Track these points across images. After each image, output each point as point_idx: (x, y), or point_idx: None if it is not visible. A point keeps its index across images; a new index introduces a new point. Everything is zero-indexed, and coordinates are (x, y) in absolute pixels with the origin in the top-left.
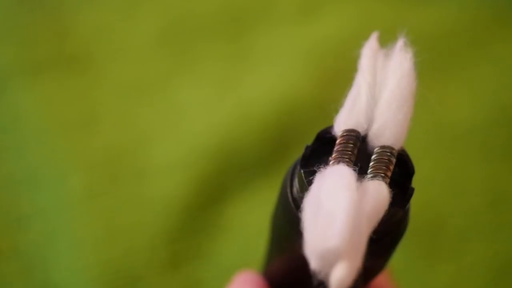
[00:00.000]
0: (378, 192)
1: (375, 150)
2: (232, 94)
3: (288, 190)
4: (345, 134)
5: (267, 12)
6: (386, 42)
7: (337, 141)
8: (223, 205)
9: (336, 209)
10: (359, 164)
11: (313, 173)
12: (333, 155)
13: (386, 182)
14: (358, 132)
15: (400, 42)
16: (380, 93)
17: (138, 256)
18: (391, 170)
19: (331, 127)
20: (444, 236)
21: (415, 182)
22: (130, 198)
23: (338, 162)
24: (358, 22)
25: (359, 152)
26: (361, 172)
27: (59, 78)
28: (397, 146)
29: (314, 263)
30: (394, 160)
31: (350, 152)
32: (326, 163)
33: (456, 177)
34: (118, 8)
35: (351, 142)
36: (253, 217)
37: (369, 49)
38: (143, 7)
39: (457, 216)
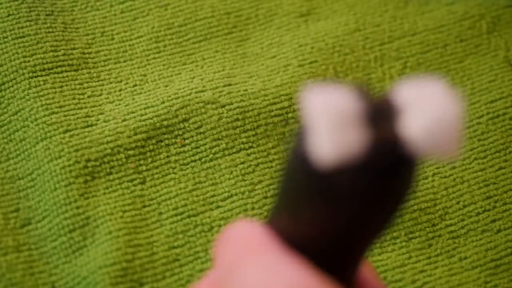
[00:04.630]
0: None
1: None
2: (232, 93)
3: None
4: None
5: (267, 16)
6: (383, 42)
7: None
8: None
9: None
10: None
11: None
12: None
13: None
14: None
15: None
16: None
17: (140, 257)
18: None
19: None
20: (443, 230)
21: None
22: (132, 199)
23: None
24: (357, 22)
25: None
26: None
27: (59, 80)
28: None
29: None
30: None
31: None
32: None
33: (453, 172)
34: (119, 10)
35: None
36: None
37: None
38: (145, 7)
39: (455, 211)
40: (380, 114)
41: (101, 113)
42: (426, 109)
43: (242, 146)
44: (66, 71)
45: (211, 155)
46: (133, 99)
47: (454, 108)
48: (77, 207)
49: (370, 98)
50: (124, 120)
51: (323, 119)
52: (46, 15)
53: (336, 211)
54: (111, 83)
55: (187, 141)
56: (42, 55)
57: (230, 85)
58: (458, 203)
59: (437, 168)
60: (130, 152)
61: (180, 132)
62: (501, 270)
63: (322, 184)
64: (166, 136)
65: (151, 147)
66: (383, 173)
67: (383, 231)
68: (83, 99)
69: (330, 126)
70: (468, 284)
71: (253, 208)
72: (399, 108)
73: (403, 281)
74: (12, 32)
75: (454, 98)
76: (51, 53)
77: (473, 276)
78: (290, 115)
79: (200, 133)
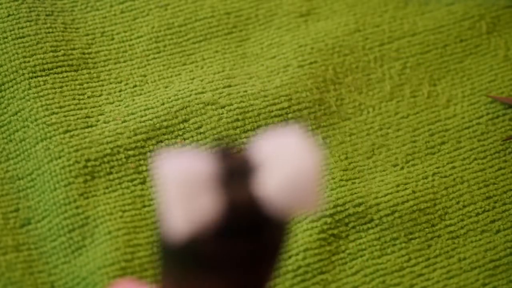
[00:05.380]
0: None
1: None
2: (232, 94)
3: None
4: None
5: (267, 16)
6: (383, 42)
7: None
8: None
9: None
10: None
11: None
12: None
13: None
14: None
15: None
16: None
17: (139, 257)
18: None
19: None
20: (443, 231)
21: (416, 177)
22: (132, 199)
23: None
24: (356, 22)
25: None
26: None
27: (59, 81)
28: None
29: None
30: None
31: None
32: None
33: (453, 172)
34: (119, 10)
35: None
36: None
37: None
38: (145, 7)
39: (455, 211)
40: (236, 174)
41: (101, 114)
42: (282, 165)
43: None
44: (66, 71)
45: None
46: (133, 100)
47: (311, 160)
48: (77, 207)
49: (226, 158)
50: (124, 121)
51: (173, 188)
52: (46, 15)
53: (209, 279)
54: (111, 83)
55: (187, 141)
56: (42, 55)
57: (230, 86)
58: (458, 203)
59: (437, 168)
60: (130, 152)
61: (180, 133)
62: (500, 271)
63: (184, 255)
64: (166, 136)
65: (151, 147)
66: (244, 235)
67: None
68: (83, 99)
69: (181, 195)
70: (466, 287)
71: None
72: (256, 165)
73: (401, 285)
74: (12, 32)
75: (312, 149)
76: (51, 53)
77: (471, 278)
78: (290, 115)
79: (200, 133)
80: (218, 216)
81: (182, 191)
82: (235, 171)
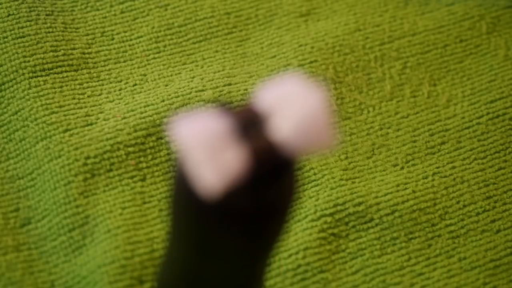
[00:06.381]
0: None
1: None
2: (232, 93)
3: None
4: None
5: (267, 16)
6: (383, 42)
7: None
8: None
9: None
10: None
11: None
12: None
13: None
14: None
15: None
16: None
17: (140, 254)
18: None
19: None
20: (443, 230)
21: (416, 176)
22: (132, 196)
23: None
24: (357, 22)
25: None
26: None
27: (59, 80)
28: None
29: None
30: None
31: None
32: None
33: (453, 172)
34: (119, 10)
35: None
36: None
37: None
38: (145, 7)
39: (455, 210)
40: (249, 125)
41: (101, 112)
42: (291, 109)
43: None
44: (66, 71)
45: None
46: (133, 97)
47: (317, 101)
48: (77, 206)
49: (234, 113)
50: (124, 118)
51: (197, 149)
52: (46, 15)
53: (240, 232)
54: (111, 82)
55: None
56: (42, 55)
57: (230, 84)
58: (458, 203)
59: (437, 167)
60: (130, 149)
61: None
62: (500, 270)
63: (216, 213)
64: (166, 133)
65: (151, 144)
66: (270, 182)
67: (282, 233)
68: (83, 98)
69: (207, 154)
70: (466, 286)
71: None
72: (266, 114)
73: (401, 285)
74: (12, 32)
75: (316, 91)
76: (51, 53)
77: (472, 277)
78: None
79: None
80: (245, 168)
81: (207, 149)
82: (248, 122)
